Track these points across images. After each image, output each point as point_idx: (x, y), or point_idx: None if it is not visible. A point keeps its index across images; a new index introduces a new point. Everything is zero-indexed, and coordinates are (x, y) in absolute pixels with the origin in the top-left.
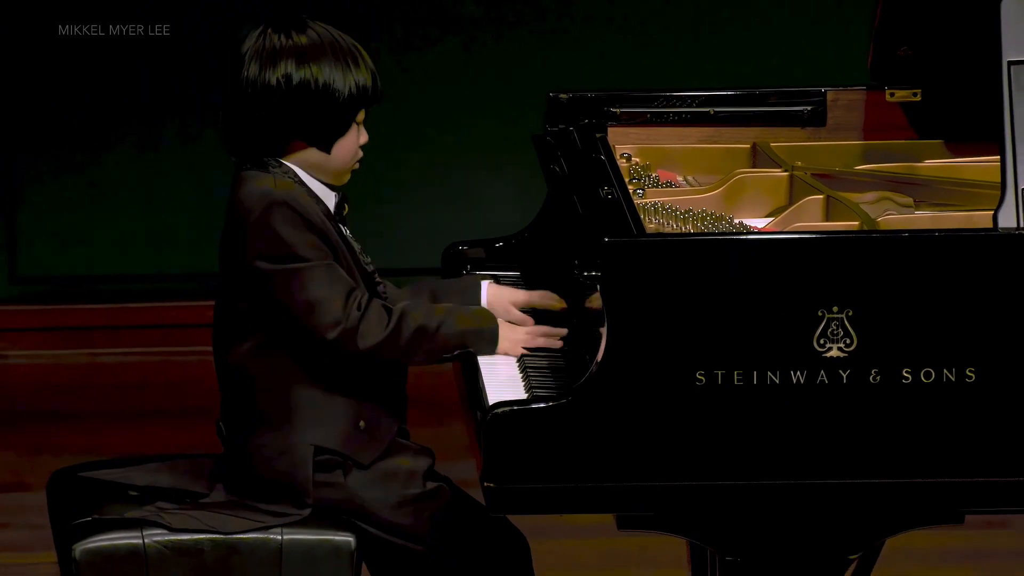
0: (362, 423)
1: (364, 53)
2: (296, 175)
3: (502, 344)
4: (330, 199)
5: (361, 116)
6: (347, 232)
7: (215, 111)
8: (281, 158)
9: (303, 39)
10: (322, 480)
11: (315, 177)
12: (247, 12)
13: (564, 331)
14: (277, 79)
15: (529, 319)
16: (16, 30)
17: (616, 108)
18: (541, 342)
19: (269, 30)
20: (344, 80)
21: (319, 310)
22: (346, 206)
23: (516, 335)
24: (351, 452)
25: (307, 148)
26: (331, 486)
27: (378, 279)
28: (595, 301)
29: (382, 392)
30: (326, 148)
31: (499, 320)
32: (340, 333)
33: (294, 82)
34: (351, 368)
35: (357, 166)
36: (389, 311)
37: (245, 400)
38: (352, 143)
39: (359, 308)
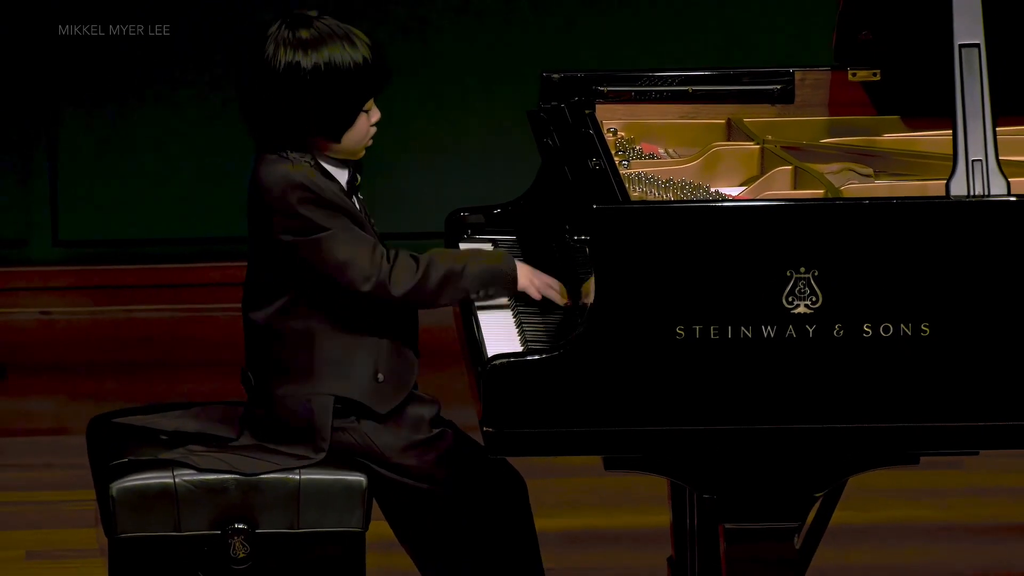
0: (380, 376)
1: (368, 42)
2: (311, 155)
3: (520, 280)
4: (343, 175)
5: (369, 104)
6: (358, 202)
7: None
8: (299, 148)
9: (308, 33)
10: (338, 425)
11: (329, 156)
12: (247, 12)
13: (559, 300)
14: (288, 73)
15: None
16: (16, 30)
17: (603, 87)
18: (551, 293)
19: (277, 31)
20: (349, 77)
21: (351, 268)
22: (359, 177)
23: (529, 271)
24: (369, 403)
25: (319, 139)
26: (346, 430)
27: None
28: (584, 263)
29: (399, 347)
30: (336, 139)
31: (515, 260)
32: (374, 286)
33: (301, 83)
34: (370, 325)
35: (371, 142)
36: (416, 259)
37: (270, 354)
38: (360, 130)
39: (387, 260)
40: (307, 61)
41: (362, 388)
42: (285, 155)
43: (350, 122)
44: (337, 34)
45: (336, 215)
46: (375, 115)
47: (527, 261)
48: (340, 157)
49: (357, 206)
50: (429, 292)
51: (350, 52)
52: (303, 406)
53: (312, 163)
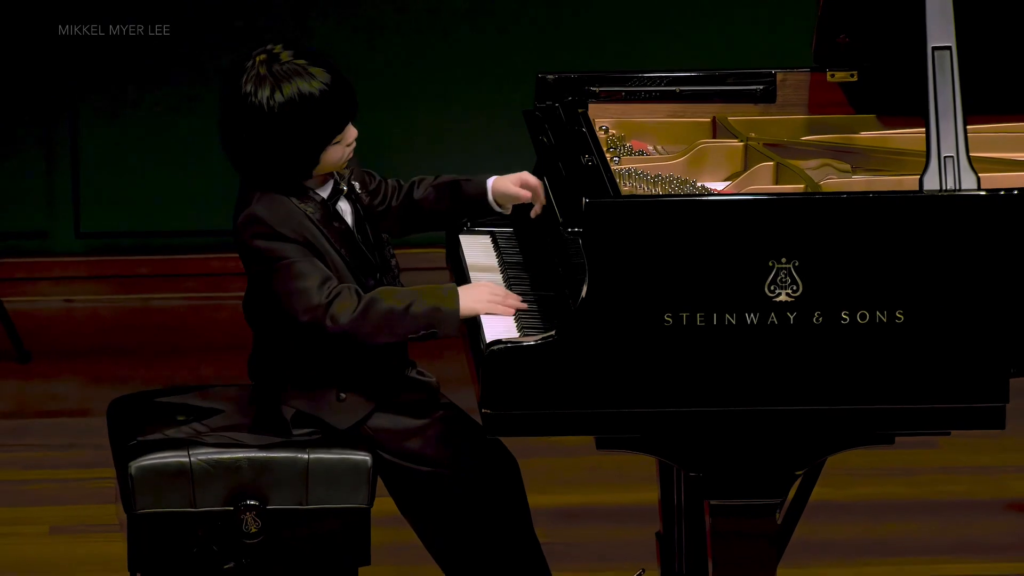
0: (342, 395)
1: (328, 82)
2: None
3: (464, 306)
4: (325, 188)
5: (340, 137)
6: (348, 205)
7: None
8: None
9: (270, 80)
10: (339, 410)
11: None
12: (246, 11)
13: (524, 305)
14: (249, 124)
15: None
16: (16, 30)
17: (596, 87)
18: (499, 310)
19: (244, 74)
20: (306, 125)
21: (294, 299)
22: (344, 187)
23: (478, 293)
24: (328, 419)
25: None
26: (346, 418)
27: (391, 187)
28: (577, 253)
29: (369, 367)
30: (304, 178)
31: (459, 289)
32: (311, 317)
33: (263, 129)
34: (337, 347)
35: (351, 155)
36: (360, 296)
37: (256, 356)
38: (331, 160)
39: (328, 296)
40: (269, 103)
41: (322, 406)
42: (261, 191)
43: (314, 163)
44: (297, 75)
45: (292, 245)
46: (350, 136)
47: (522, 252)
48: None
49: (346, 213)
50: (366, 331)
51: (310, 90)
52: (276, 410)
53: (287, 186)
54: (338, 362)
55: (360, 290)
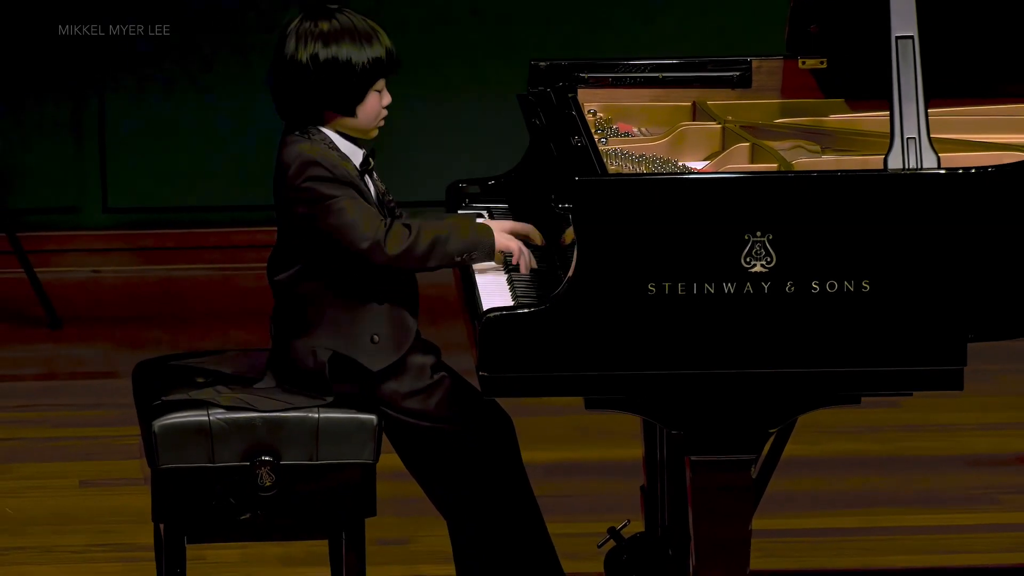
0: (376, 337)
1: (381, 33)
2: (329, 139)
3: (499, 241)
4: (357, 156)
5: (380, 85)
6: (371, 182)
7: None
8: (319, 124)
9: (327, 25)
10: (347, 376)
11: (346, 138)
12: (246, 11)
13: (535, 264)
14: (306, 59)
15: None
16: (16, 30)
17: (585, 73)
18: (519, 255)
19: (302, 18)
20: (361, 57)
21: (352, 230)
22: (371, 161)
23: (511, 238)
24: (364, 360)
25: (336, 115)
26: (356, 381)
27: (399, 212)
28: (567, 228)
29: (397, 315)
30: (351, 113)
31: (493, 227)
32: (370, 245)
33: (320, 60)
34: (372, 294)
35: (383, 123)
36: (409, 226)
37: (287, 311)
38: (373, 106)
39: (385, 226)
40: (325, 42)
41: (358, 347)
42: (305, 134)
43: (361, 97)
44: (351, 22)
45: (343, 187)
46: (386, 98)
47: None
48: (354, 135)
49: (370, 185)
50: (418, 255)
51: (362, 36)
52: (308, 359)
53: (329, 144)
54: (370, 308)
55: (407, 222)
